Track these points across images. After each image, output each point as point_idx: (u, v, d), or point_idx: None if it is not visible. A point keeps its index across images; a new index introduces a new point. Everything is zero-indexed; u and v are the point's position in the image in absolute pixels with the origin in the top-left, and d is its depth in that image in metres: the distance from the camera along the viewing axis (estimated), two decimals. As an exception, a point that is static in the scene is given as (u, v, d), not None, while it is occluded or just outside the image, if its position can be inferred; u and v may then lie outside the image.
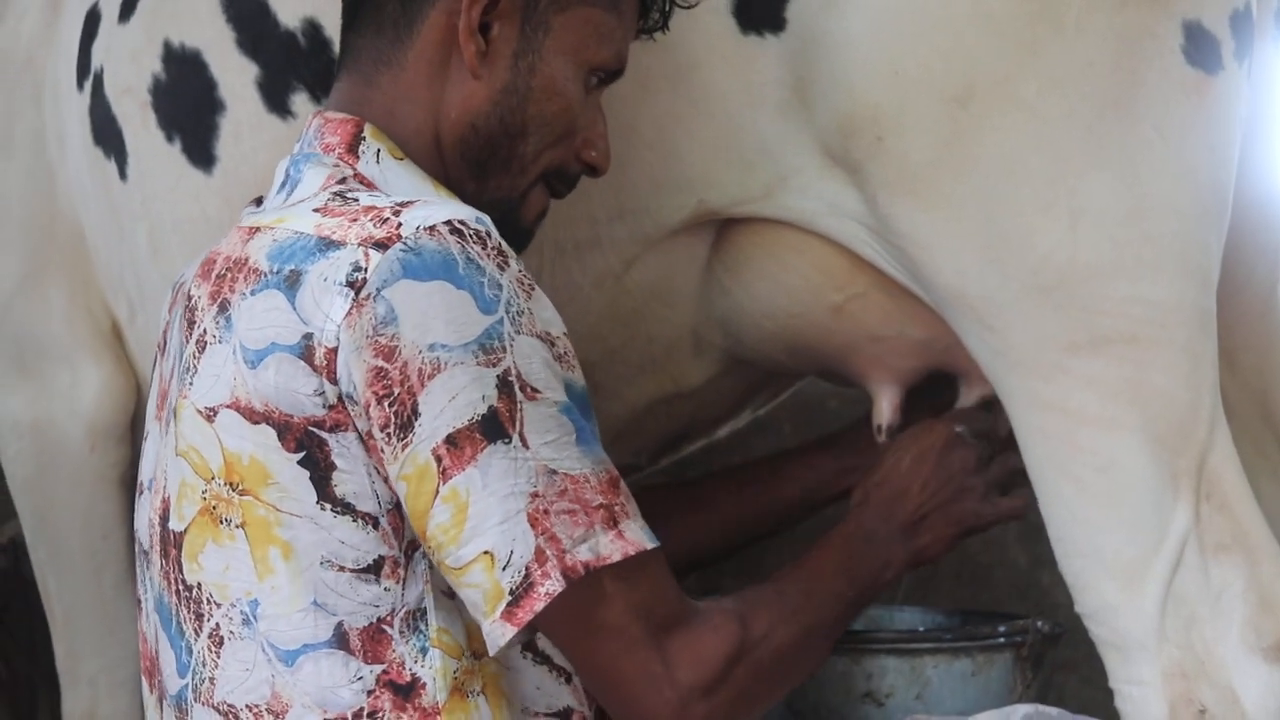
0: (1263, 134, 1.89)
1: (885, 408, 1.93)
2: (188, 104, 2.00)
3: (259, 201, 1.78)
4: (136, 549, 1.74)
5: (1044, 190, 1.69)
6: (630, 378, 2.01)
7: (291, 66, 1.93)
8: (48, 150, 2.20)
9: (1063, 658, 2.11)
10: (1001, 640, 1.99)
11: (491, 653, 1.56)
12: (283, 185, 1.71)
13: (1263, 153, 1.91)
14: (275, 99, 1.95)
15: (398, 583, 1.58)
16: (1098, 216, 1.69)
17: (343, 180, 1.66)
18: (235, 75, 1.97)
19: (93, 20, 2.11)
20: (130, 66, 2.04)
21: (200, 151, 1.99)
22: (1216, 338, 1.74)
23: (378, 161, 1.68)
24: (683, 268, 1.93)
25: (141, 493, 1.74)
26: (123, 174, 2.06)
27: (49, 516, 2.31)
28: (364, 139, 1.68)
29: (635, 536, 1.56)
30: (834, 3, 1.74)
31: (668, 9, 1.77)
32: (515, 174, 1.71)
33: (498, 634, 1.54)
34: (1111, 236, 1.69)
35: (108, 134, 2.07)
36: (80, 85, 2.12)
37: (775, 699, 1.72)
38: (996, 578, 2.79)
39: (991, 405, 1.89)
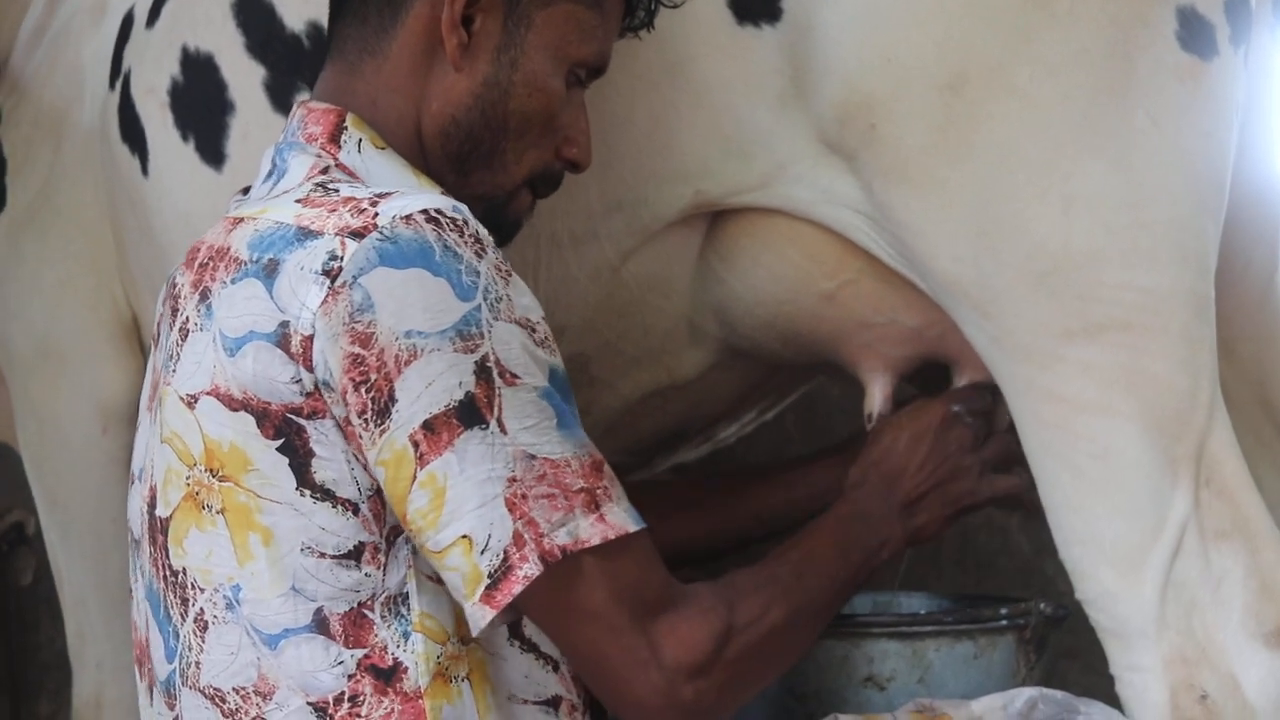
0: (1261, 122, 1.82)
1: (877, 396, 1.86)
2: (201, 105, 1.99)
3: (246, 190, 1.74)
4: (129, 539, 1.70)
5: (1038, 177, 1.63)
6: (625, 369, 1.96)
7: (297, 68, 1.91)
8: (85, 144, 2.20)
9: (1065, 645, 2.05)
10: (1004, 623, 1.92)
11: (474, 633, 1.51)
12: (269, 174, 1.67)
13: (1261, 141, 1.83)
14: (281, 100, 1.92)
15: (378, 568, 1.53)
16: (1092, 203, 1.63)
17: (326, 170, 1.62)
18: (245, 77, 1.95)
19: (126, 24, 2.12)
20: (153, 68, 2.04)
21: (212, 150, 1.98)
22: (1215, 324, 1.67)
23: (359, 151, 1.63)
24: (678, 257, 1.87)
25: (132, 483, 1.69)
26: (145, 170, 2.05)
27: (60, 498, 2.29)
28: (345, 129, 1.64)
29: (617, 520, 1.51)
30: None
31: (653, 8, 1.72)
32: (498, 171, 1.66)
33: (478, 616, 1.49)
34: (1106, 223, 1.63)
35: (133, 132, 2.07)
36: (112, 85, 2.12)
37: (766, 681, 1.66)
38: (1000, 564, 2.75)
39: (987, 388, 1.82)
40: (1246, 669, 1.62)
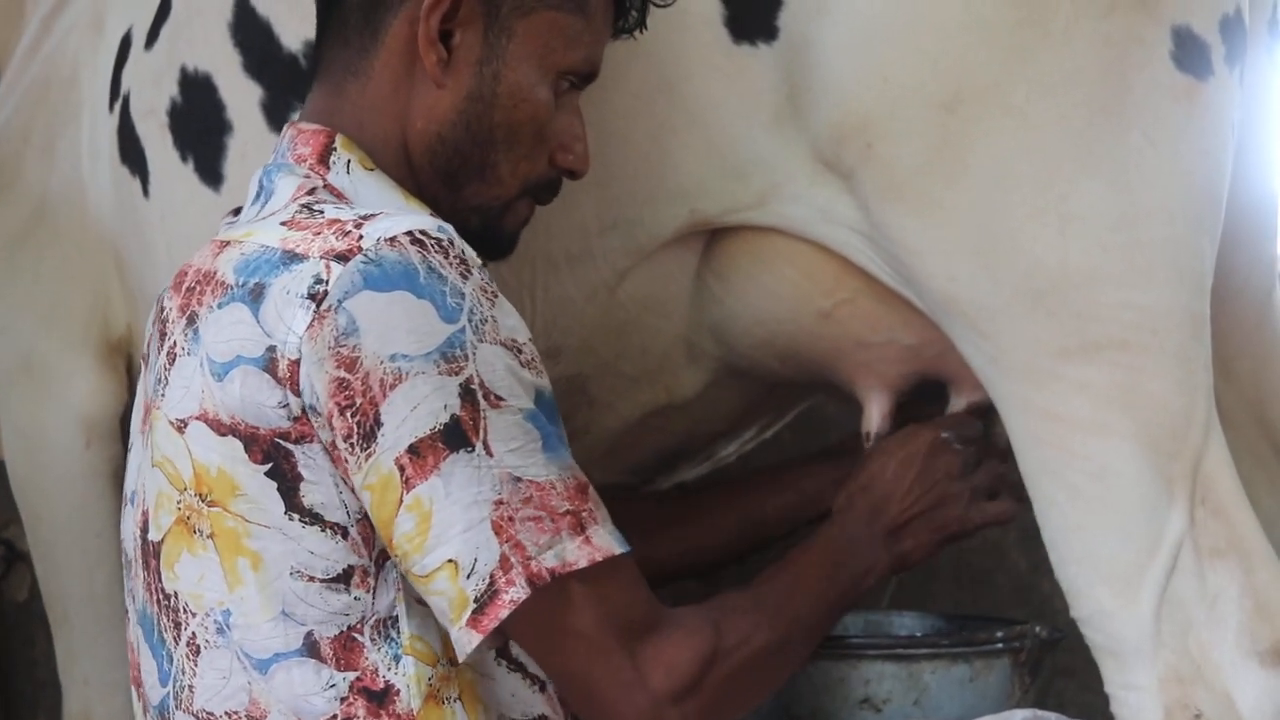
0: (1257, 141, 1.80)
1: (875, 415, 1.83)
2: (199, 125, 1.96)
3: (237, 212, 1.71)
4: (123, 560, 1.67)
5: (1034, 196, 1.60)
6: (624, 390, 1.92)
7: (293, 87, 1.87)
8: (83, 165, 2.17)
9: (1061, 663, 2.03)
10: (999, 646, 1.89)
11: (460, 659, 1.48)
12: (257, 196, 1.65)
13: (1257, 159, 1.81)
14: (279, 120, 1.88)
15: (368, 591, 1.50)
16: (1088, 222, 1.60)
17: (312, 191, 1.59)
18: (242, 97, 1.92)
19: (125, 46, 2.09)
20: (152, 90, 2.01)
21: (210, 170, 1.95)
22: (1210, 343, 1.65)
23: (348, 172, 1.60)
24: (675, 277, 1.84)
25: (126, 505, 1.66)
26: (145, 192, 2.03)
27: (44, 514, 2.26)
28: (335, 149, 1.61)
29: (603, 542, 1.48)
30: (825, 10, 1.66)
31: (644, 8, 1.68)
32: (491, 184, 1.63)
33: (464, 640, 1.46)
34: (1102, 242, 1.60)
35: (133, 153, 2.04)
36: (111, 107, 2.09)
37: (753, 703, 1.63)
38: (995, 582, 2.72)
39: (982, 412, 1.80)
40: (1241, 688, 1.59)
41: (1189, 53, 1.61)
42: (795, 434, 2.25)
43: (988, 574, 2.71)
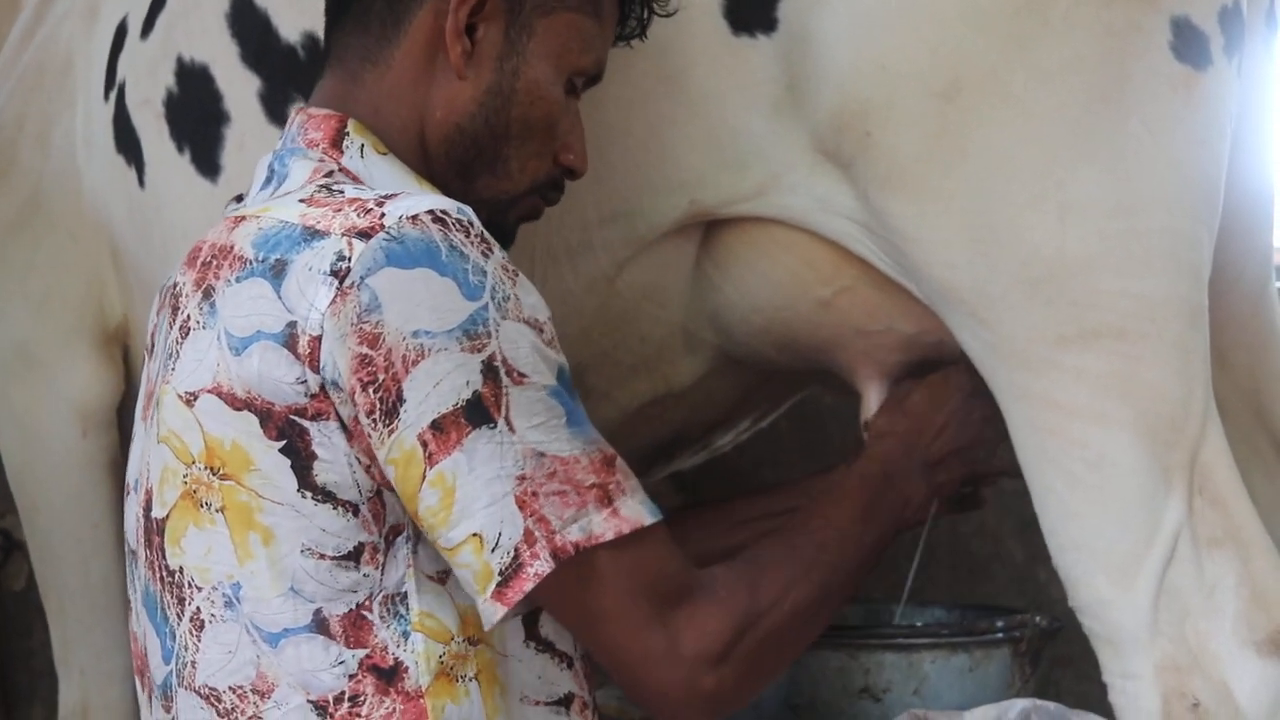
0: (1255, 131, 1.80)
1: (873, 403, 1.83)
2: (196, 116, 1.96)
3: (240, 198, 1.71)
4: (126, 551, 1.67)
5: (1032, 184, 1.61)
6: (622, 379, 1.93)
7: (291, 79, 1.88)
8: (78, 154, 2.16)
9: (1058, 652, 2.03)
10: (999, 635, 1.91)
11: (486, 628, 1.48)
12: (267, 181, 1.64)
13: (1254, 151, 1.81)
14: (276, 111, 1.89)
15: (377, 568, 1.51)
16: (1086, 210, 1.60)
17: (329, 174, 1.59)
18: (240, 88, 1.92)
19: (120, 34, 2.09)
20: (148, 79, 2.01)
21: (207, 161, 1.95)
22: (1208, 332, 1.65)
23: (361, 156, 1.61)
24: (674, 267, 1.84)
25: (128, 494, 1.66)
26: (141, 182, 2.03)
27: (41, 504, 2.26)
28: (348, 134, 1.61)
29: (631, 513, 1.49)
30: (824, 0, 1.66)
31: (646, 16, 1.70)
32: (502, 178, 1.65)
33: (490, 612, 1.47)
34: (1100, 230, 1.60)
35: (129, 143, 2.04)
36: (106, 96, 2.09)
37: (790, 660, 1.63)
38: (993, 572, 2.72)
39: None
40: (1238, 676, 1.60)
41: (1188, 43, 1.61)
42: (791, 424, 2.26)
43: (985, 563, 2.71)
